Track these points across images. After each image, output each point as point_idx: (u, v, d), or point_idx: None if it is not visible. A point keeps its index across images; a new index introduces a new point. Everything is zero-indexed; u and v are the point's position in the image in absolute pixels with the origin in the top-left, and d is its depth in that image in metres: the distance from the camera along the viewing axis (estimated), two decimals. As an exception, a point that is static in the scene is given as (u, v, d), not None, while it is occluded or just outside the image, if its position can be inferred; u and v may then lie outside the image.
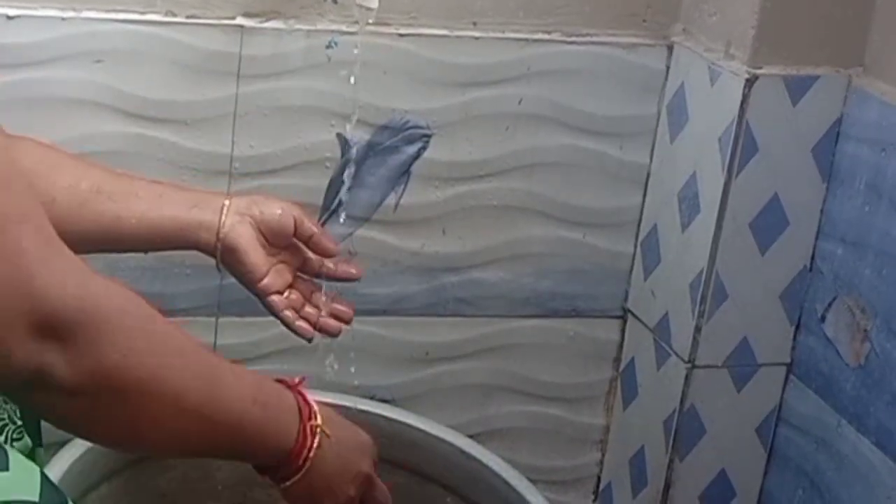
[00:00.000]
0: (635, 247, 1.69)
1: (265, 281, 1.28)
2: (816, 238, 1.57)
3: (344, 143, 1.53)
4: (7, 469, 0.94)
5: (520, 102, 1.58)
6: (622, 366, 1.73)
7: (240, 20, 1.47)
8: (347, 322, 1.34)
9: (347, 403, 1.42)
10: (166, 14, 1.45)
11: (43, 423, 1.29)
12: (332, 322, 1.32)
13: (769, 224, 1.55)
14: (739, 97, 1.49)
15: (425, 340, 1.66)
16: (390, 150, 1.56)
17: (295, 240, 1.31)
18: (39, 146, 1.24)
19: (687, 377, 1.60)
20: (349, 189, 1.54)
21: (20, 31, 1.40)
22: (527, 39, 1.56)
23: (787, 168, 1.53)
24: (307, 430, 1.09)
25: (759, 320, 1.59)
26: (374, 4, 1.40)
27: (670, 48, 1.61)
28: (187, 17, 1.45)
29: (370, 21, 1.43)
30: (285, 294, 1.29)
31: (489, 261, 1.64)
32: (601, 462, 1.78)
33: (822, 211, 1.56)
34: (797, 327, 1.60)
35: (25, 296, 0.86)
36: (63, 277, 0.88)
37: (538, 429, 1.74)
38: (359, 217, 1.57)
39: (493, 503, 1.38)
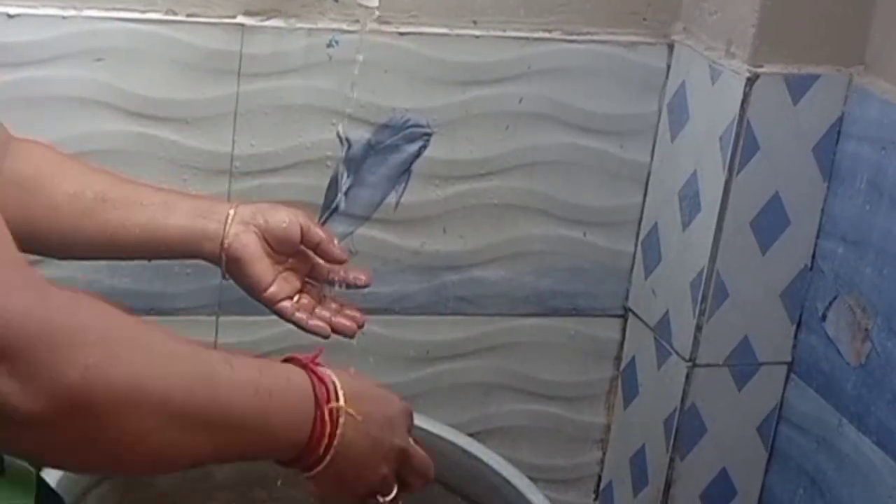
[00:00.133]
0: (636, 245, 1.69)
1: (271, 290, 1.25)
2: (817, 237, 1.56)
3: (344, 142, 1.53)
4: (2, 474, 0.93)
5: (520, 101, 1.58)
6: (623, 364, 1.73)
7: (240, 19, 1.47)
8: (360, 326, 1.31)
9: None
10: (167, 13, 1.45)
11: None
12: (347, 322, 1.27)
13: (770, 223, 1.55)
14: (740, 96, 1.49)
15: (426, 339, 1.66)
16: (391, 148, 1.56)
17: (302, 247, 1.28)
18: (44, 151, 1.24)
19: (688, 376, 1.60)
20: (350, 188, 1.54)
21: (21, 30, 1.40)
22: (527, 38, 1.56)
23: (787, 167, 1.53)
24: (326, 415, 0.99)
25: (759, 319, 1.59)
26: (375, 3, 1.40)
27: (671, 47, 1.61)
28: (188, 15, 1.45)
29: (371, 20, 1.43)
30: (295, 299, 1.26)
31: (490, 259, 1.64)
32: (602, 461, 1.78)
33: (822, 210, 1.56)
34: (798, 326, 1.60)
35: None
36: (10, 297, 0.82)
37: (539, 427, 1.74)
38: (359, 216, 1.57)
39: (494, 502, 1.38)
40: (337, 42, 1.50)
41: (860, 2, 1.50)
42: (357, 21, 1.46)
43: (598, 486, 1.79)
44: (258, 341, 1.58)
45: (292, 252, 1.27)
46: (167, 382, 0.89)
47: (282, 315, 1.26)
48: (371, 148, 1.55)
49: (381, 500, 1.08)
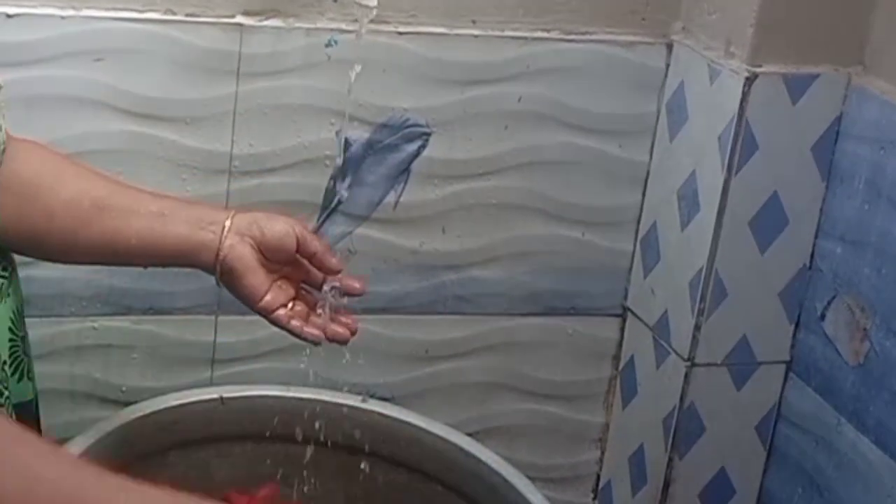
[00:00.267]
0: (635, 245, 1.69)
1: (266, 300, 1.24)
2: (816, 236, 1.57)
3: (343, 142, 1.53)
4: None
5: (519, 101, 1.58)
6: (622, 364, 1.73)
7: (239, 18, 1.47)
8: (353, 333, 1.31)
9: (346, 401, 1.42)
10: (166, 12, 1.45)
11: (41, 416, 1.29)
12: (340, 329, 1.28)
13: (769, 222, 1.55)
14: (739, 95, 1.49)
15: (425, 338, 1.66)
16: (390, 148, 1.56)
17: (298, 256, 1.28)
18: (43, 154, 1.24)
19: (686, 375, 1.60)
20: (348, 187, 1.54)
21: (20, 30, 1.40)
22: (526, 38, 1.56)
23: (786, 166, 1.53)
24: None
25: (758, 319, 1.59)
26: (374, 3, 1.40)
27: (670, 46, 1.61)
28: (187, 15, 1.45)
29: (370, 19, 1.43)
30: (290, 306, 1.26)
31: (488, 259, 1.64)
32: (601, 460, 1.78)
33: (821, 209, 1.56)
34: (797, 326, 1.60)
35: None
36: None
37: (538, 427, 1.74)
38: (358, 215, 1.57)
39: (493, 501, 1.38)
40: (336, 42, 1.50)
41: (859, 2, 1.50)
42: (356, 21, 1.46)
43: (597, 485, 1.79)
44: (257, 341, 1.58)
45: (288, 261, 1.27)
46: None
47: (277, 324, 1.26)
48: (370, 147, 1.55)
49: None
